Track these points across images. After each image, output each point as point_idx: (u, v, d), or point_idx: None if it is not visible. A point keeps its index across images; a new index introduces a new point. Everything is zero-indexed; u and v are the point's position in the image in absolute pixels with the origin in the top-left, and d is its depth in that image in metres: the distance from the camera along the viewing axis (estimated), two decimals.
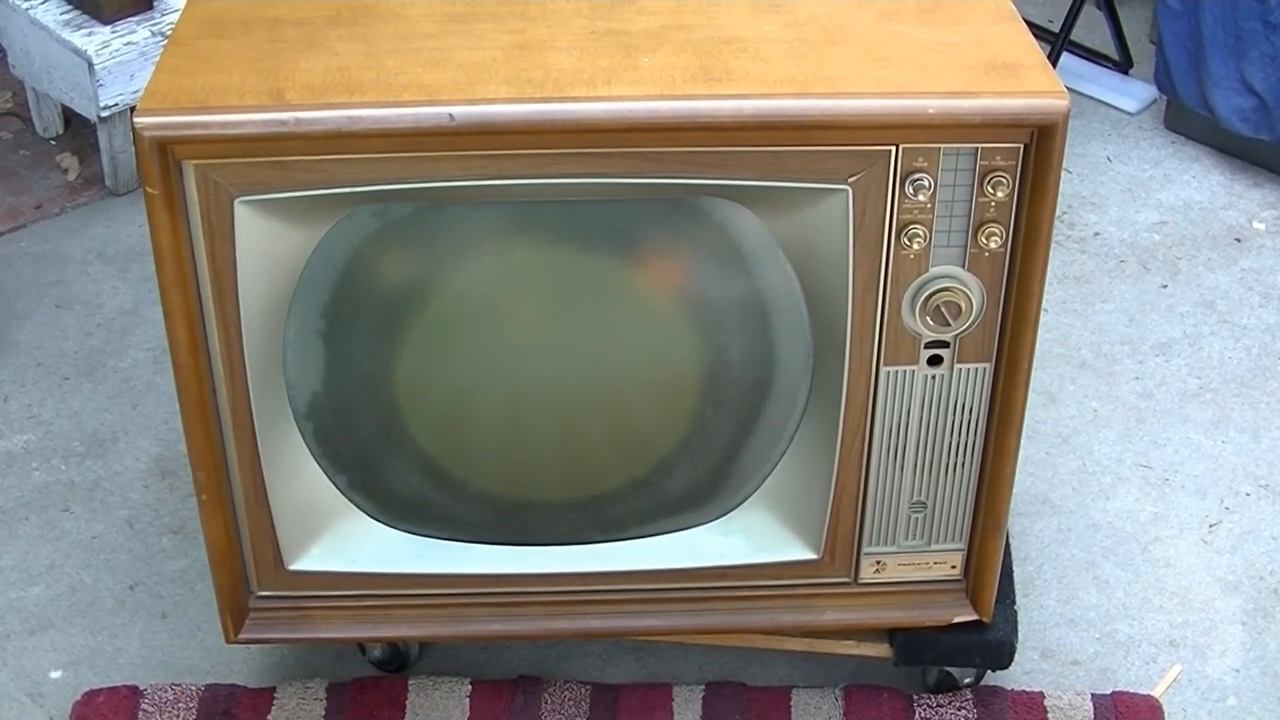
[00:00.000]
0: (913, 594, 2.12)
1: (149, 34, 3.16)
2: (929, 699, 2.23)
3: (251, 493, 1.97)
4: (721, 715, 2.21)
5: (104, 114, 3.16)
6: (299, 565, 2.04)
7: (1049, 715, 2.21)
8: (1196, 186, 3.31)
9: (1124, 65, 3.64)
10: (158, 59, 1.83)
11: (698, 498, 2.04)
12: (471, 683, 2.25)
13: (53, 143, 3.43)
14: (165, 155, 1.73)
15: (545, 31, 1.86)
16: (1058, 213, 1.84)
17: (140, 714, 2.20)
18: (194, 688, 2.24)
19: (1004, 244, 1.85)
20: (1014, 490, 2.03)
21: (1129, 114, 3.53)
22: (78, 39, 3.13)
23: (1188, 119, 3.41)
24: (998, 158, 1.80)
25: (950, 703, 2.22)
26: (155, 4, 3.22)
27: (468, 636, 2.14)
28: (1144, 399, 2.78)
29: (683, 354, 1.93)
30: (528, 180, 1.78)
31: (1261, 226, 3.19)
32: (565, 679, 2.27)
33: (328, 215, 1.82)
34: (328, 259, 1.85)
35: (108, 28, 3.16)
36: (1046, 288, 1.89)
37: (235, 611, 2.07)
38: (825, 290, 1.87)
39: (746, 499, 2.04)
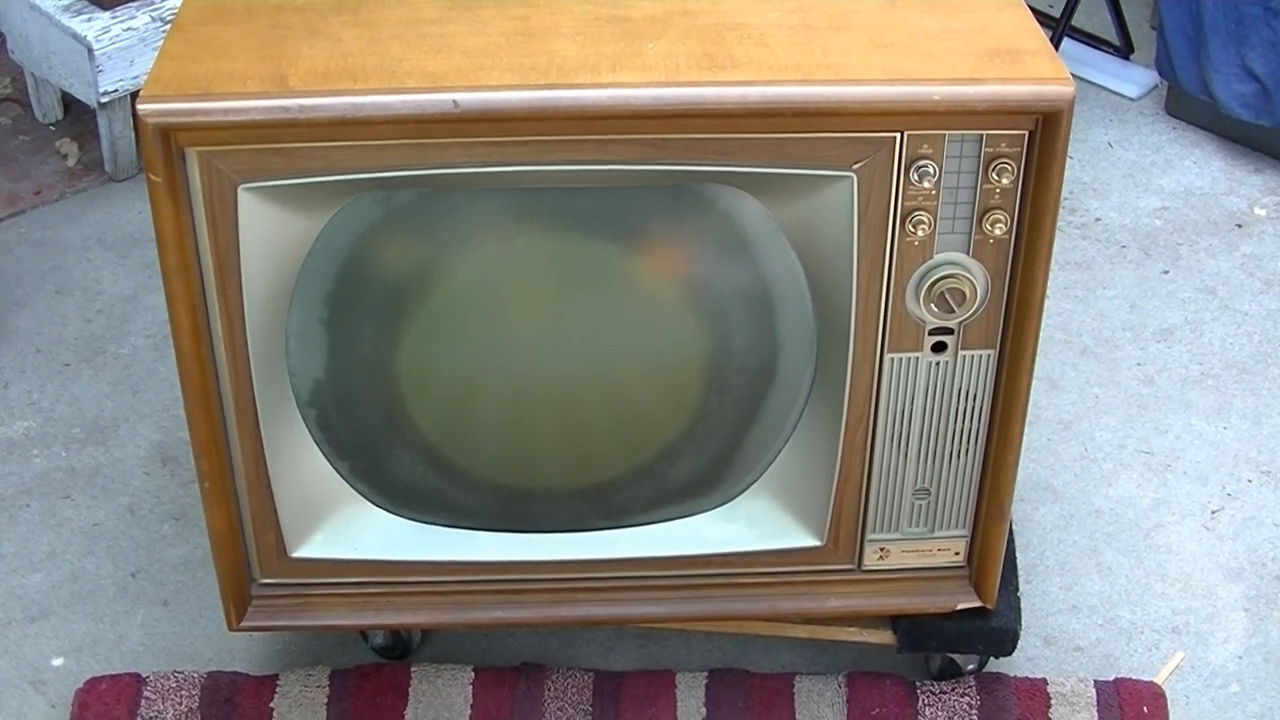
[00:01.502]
0: (916, 581, 2.12)
1: (149, 20, 3.15)
2: (932, 686, 2.23)
3: (254, 480, 1.97)
4: (724, 702, 2.21)
5: (104, 100, 3.15)
6: (301, 552, 2.04)
7: (1052, 702, 2.21)
8: (1197, 172, 3.30)
9: (1125, 51, 3.63)
10: (160, 45, 1.83)
11: (701, 485, 2.04)
12: (474, 670, 2.25)
13: (52, 128, 3.43)
14: (169, 142, 1.73)
15: (549, 18, 1.86)
16: None
17: (142, 701, 2.20)
18: (196, 675, 2.24)
19: (1008, 230, 1.85)
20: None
21: (1130, 99, 3.53)
22: (77, 24, 3.12)
23: (1189, 104, 3.40)
24: (1002, 144, 1.80)
25: (953, 689, 2.22)
26: None
27: (470, 624, 2.14)
28: (1145, 385, 2.78)
29: (686, 341, 1.93)
30: (531, 167, 1.78)
31: (1262, 212, 3.19)
32: (568, 666, 2.27)
33: (331, 202, 1.81)
34: (331, 246, 1.84)
35: (108, 13, 3.15)
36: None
37: (237, 599, 2.07)
38: (829, 277, 1.86)
39: (750, 486, 2.04)
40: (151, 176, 1.74)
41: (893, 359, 1.93)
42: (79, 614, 2.37)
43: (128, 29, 3.13)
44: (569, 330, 1.93)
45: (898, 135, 1.78)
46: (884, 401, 1.96)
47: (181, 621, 2.36)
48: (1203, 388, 2.78)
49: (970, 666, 2.24)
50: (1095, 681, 2.25)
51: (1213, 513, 2.55)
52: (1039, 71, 1.78)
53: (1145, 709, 2.21)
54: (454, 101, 1.72)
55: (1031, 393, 1.98)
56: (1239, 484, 2.60)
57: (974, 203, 1.83)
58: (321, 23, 1.85)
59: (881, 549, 2.08)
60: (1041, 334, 1.94)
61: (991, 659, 2.25)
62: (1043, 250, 1.84)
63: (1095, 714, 2.20)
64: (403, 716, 2.20)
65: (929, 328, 1.91)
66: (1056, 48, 3.44)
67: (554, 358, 1.94)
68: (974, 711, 2.19)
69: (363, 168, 1.77)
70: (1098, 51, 3.64)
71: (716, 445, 2.01)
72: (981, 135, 1.79)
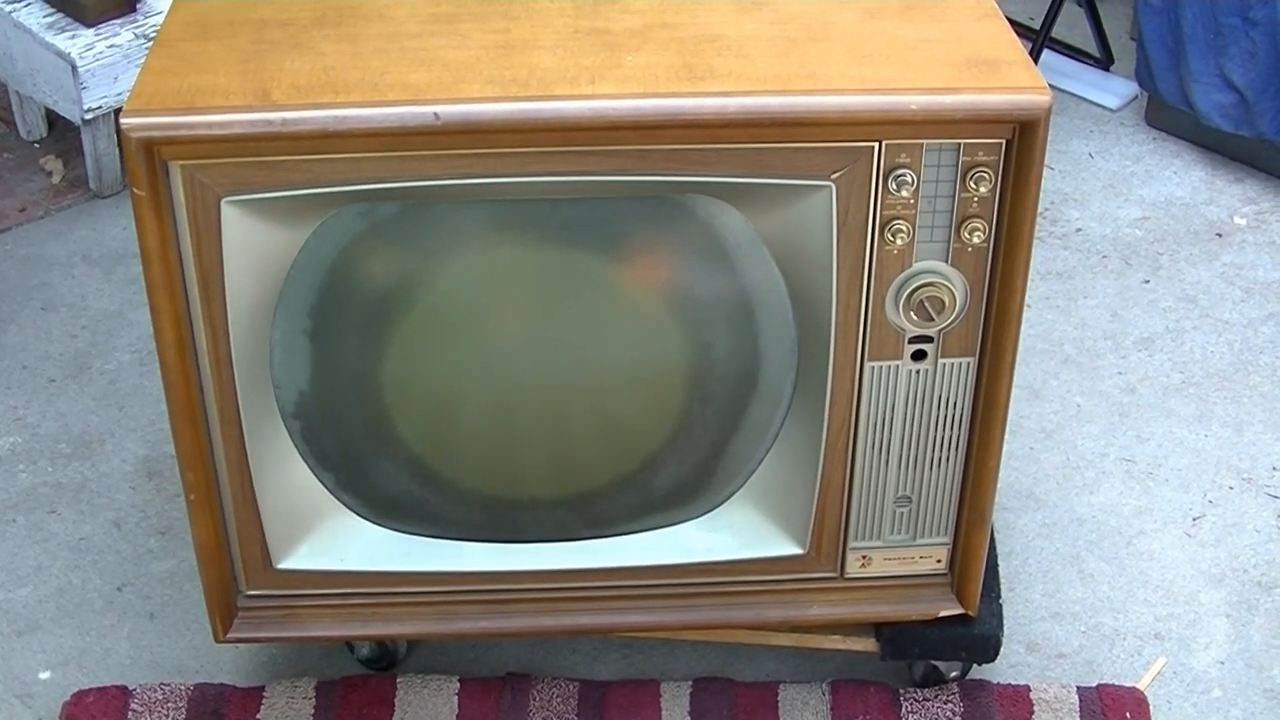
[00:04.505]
0: (899, 588, 2.13)
1: (132, 36, 3.16)
2: (915, 693, 2.24)
3: (239, 492, 1.98)
4: (709, 711, 2.22)
5: (88, 116, 3.16)
6: (287, 564, 2.05)
7: (1035, 708, 2.22)
8: (1178, 182, 3.32)
9: (1105, 62, 3.65)
10: (143, 61, 1.84)
11: (684, 494, 2.05)
12: (460, 680, 2.25)
13: (36, 145, 3.43)
14: (152, 156, 1.74)
15: (529, 31, 1.87)
16: (1040, 209, 1.85)
17: (129, 714, 2.21)
18: (183, 687, 2.25)
19: (987, 239, 1.86)
20: (998, 485, 2.05)
21: (1110, 110, 3.54)
22: (61, 42, 3.13)
23: (1169, 115, 3.42)
24: (980, 153, 1.81)
25: (936, 696, 2.23)
26: (138, 6, 3.22)
27: (456, 634, 2.15)
28: (1127, 394, 2.80)
29: (668, 351, 1.94)
30: (513, 179, 1.79)
31: (1242, 222, 3.21)
32: (553, 676, 2.28)
33: (314, 215, 1.82)
34: (314, 259, 1.85)
35: (91, 30, 3.16)
36: (1029, 283, 1.90)
37: (224, 611, 2.07)
38: (809, 286, 1.88)
39: (733, 495, 2.05)
40: (135, 190, 1.75)
41: (873, 367, 1.94)
42: (66, 627, 2.38)
43: (111, 46, 3.14)
44: (552, 341, 1.94)
45: (876, 145, 1.79)
46: (865, 409, 1.97)
47: (168, 634, 2.37)
48: (1184, 396, 2.79)
49: (953, 673, 2.25)
50: (1078, 687, 2.26)
51: (1194, 520, 2.56)
52: (1015, 81, 1.79)
53: (1128, 715, 2.22)
54: (435, 114, 1.74)
55: (1013, 402, 1.99)
56: (1220, 491, 2.61)
57: (952, 211, 1.85)
58: (304, 37, 1.86)
59: (864, 557, 2.09)
60: (1023, 343, 1.95)
61: (974, 666, 2.26)
62: (1021, 258, 1.86)
63: None
64: None
65: (909, 336, 1.92)
66: (1036, 59, 3.47)
67: (537, 368, 1.95)
68: (957, 718, 2.20)
69: (345, 180, 1.78)
70: (1078, 63, 3.66)
71: (699, 454, 2.02)
72: (959, 144, 1.80)
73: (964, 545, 2.09)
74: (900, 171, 1.81)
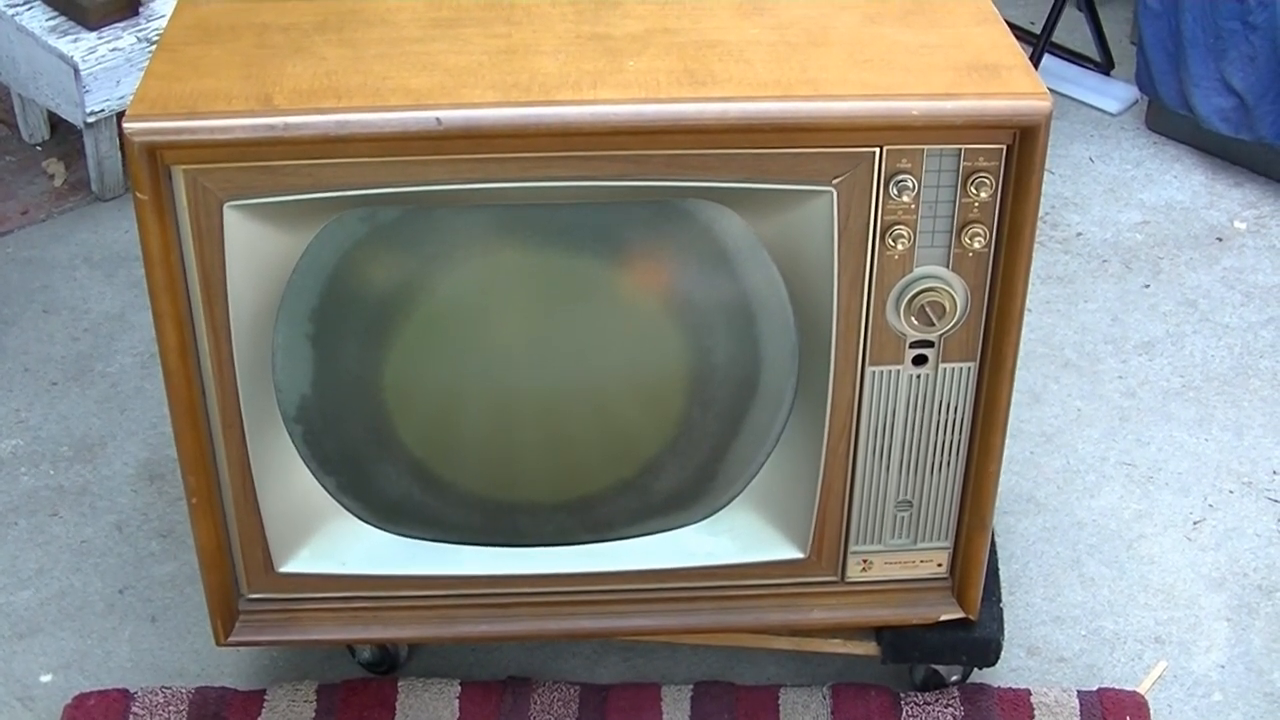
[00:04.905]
0: (899, 592, 2.13)
1: (135, 40, 3.16)
2: (916, 697, 2.24)
3: (241, 496, 1.98)
4: (710, 715, 2.22)
5: (90, 120, 3.16)
6: (289, 567, 2.05)
7: (1035, 712, 2.22)
8: (1178, 186, 3.32)
9: (1105, 66, 3.65)
10: (146, 65, 1.84)
11: (685, 498, 2.05)
12: (461, 684, 2.26)
13: (39, 148, 3.44)
14: (155, 161, 1.74)
15: (530, 36, 1.87)
16: (1040, 213, 1.85)
17: (131, 717, 2.21)
18: (184, 690, 2.25)
19: (987, 244, 1.86)
20: (999, 489, 2.05)
21: (1110, 115, 3.55)
22: (64, 45, 3.13)
23: (1169, 119, 3.42)
24: (980, 159, 1.81)
25: (937, 700, 2.23)
26: (141, 10, 3.23)
27: (457, 638, 2.15)
28: (1127, 398, 2.80)
29: (669, 355, 1.94)
30: (514, 184, 1.79)
31: (1243, 226, 3.21)
32: (554, 679, 2.28)
33: (316, 219, 1.82)
34: (316, 263, 1.86)
35: (94, 34, 3.16)
36: (1030, 288, 1.91)
37: (225, 614, 2.07)
38: (810, 291, 1.88)
39: (733, 499, 2.05)
40: (138, 194, 1.75)
41: (874, 372, 1.94)
42: (67, 630, 2.38)
43: (114, 49, 3.14)
44: (552, 345, 1.94)
45: (877, 150, 1.79)
46: (866, 414, 1.97)
47: (169, 637, 2.37)
48: (1184, 400, 2.80)
49: (954, 677, 2.25)
50: (1078, 691, 2.26)
51: (1194, 523, 2.56)
52: (1016, 86, 1.79)
53: (1128, 718, 2.22)
54: (437, 119, 1.74)
55: (1014, 406, 1.99)
56: (1220, 495, 2.61)
57: (953, 216, 1.85)
58: (306, 42, 1.86)
59: (864, 560, 2.10)
60: (1024, 348, 1.95)
61: (975, 670, 2.26)
62: (1021, 263, 1.86)
63: None
64: None
65: (910, 340, 1.93)
66: (1037, 64, 3.47)
67: (537, 372, 1.95)
68: None
69: (347, 185, 1.78)
70: (1078, 67, 3.66)
71: (700, 458, 2.02)
72: (960, 150, 1.81)
73: (965, 549, 2.09)
74: (901, 177, 1.81)
